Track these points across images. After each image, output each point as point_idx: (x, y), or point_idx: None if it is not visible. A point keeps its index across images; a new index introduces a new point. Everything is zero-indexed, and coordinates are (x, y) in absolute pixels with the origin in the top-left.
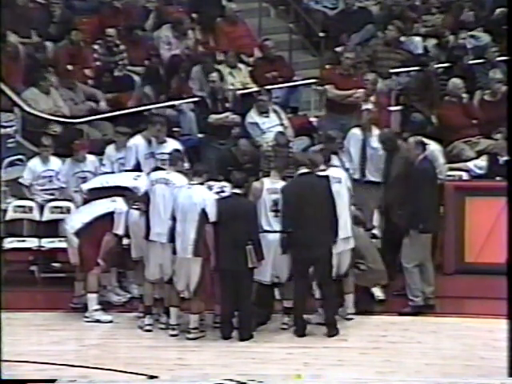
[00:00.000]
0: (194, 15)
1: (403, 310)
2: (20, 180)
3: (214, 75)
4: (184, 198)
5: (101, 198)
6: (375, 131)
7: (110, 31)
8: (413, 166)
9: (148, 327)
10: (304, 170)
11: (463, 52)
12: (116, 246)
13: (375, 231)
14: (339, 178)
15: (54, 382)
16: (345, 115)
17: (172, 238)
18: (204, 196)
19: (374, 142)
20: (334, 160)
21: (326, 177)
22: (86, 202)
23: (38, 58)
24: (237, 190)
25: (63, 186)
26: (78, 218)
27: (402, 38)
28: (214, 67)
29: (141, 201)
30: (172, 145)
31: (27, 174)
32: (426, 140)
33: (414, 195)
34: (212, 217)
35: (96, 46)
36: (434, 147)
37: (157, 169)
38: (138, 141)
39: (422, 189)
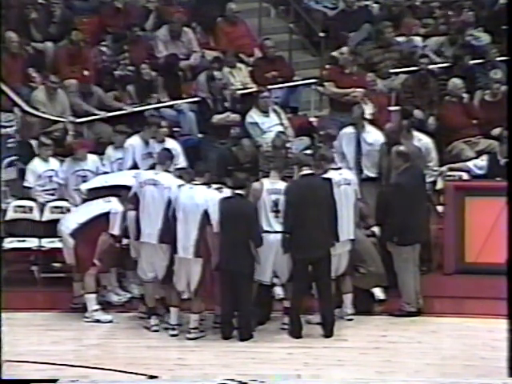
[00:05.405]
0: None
1: (394, 312)
2: (25, 184)
3: (218, 75)
4: (186, 199)
5: (100, 197)
6: (368, 127)
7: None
8: (395, 176)
9: (155, 327)
10: (307, 171)
11: (463, 52)
12: (112, 246)
13: (374, 229)
14: (349, 180)
15: (54, 382)
16: (345, 113)
17: (163, 239)
18: (206, 197)
19: (369, 138)
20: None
21: (329, 179)
22: (84, 201)
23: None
24: (238, 191)
25: (61, 182)
26: (74, 218)
27: (400, 39)
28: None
29: (130, 202)
30: (171, 144)
31: (30, 177)
32: (417, 133)
33: (390, 208)
34: (214, 218)
35: (103, 48)
36: (426, 140)
37: (150, 168)
38: (134, 141)
39: (397, 202)
